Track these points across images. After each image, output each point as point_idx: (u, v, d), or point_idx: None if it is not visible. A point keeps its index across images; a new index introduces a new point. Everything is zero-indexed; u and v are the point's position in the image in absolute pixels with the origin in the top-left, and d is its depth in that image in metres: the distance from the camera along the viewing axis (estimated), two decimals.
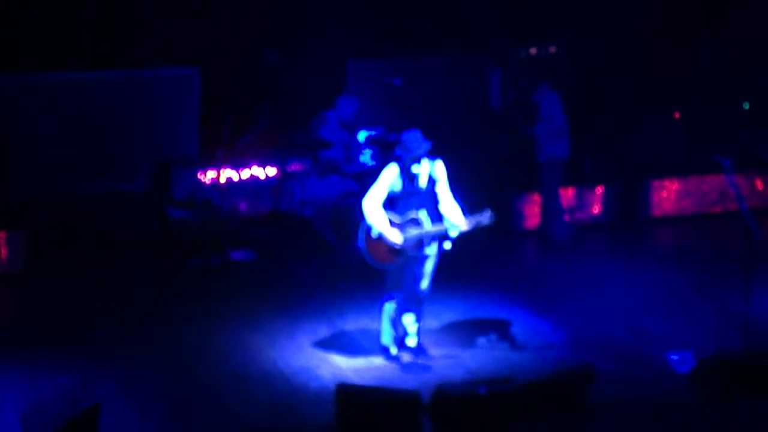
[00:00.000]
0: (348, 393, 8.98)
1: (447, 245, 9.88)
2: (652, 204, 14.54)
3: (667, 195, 14.58)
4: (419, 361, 9.99)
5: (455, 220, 9.74)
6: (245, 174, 14.13)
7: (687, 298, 11.71)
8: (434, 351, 10.26)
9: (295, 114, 14.45)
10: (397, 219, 9.78)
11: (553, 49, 16.16)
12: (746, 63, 16.19)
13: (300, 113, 13.99)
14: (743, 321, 10.10)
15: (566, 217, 13.87)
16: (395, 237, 9.71)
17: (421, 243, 9.74)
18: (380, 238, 9.74)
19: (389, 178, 9.78)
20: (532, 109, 13.41)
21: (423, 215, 9.72)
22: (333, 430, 8.88)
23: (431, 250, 9.87)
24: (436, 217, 9.85)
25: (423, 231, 9.70)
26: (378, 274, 10.15)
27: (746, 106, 16.09)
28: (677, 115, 15.87)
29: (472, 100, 16.22)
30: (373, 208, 9.72)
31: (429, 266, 9.94)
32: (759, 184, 14.87)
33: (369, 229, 9.78)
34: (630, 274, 12.46)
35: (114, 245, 12.94)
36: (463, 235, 9.79)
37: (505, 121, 15.20)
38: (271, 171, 14.28)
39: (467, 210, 9.82)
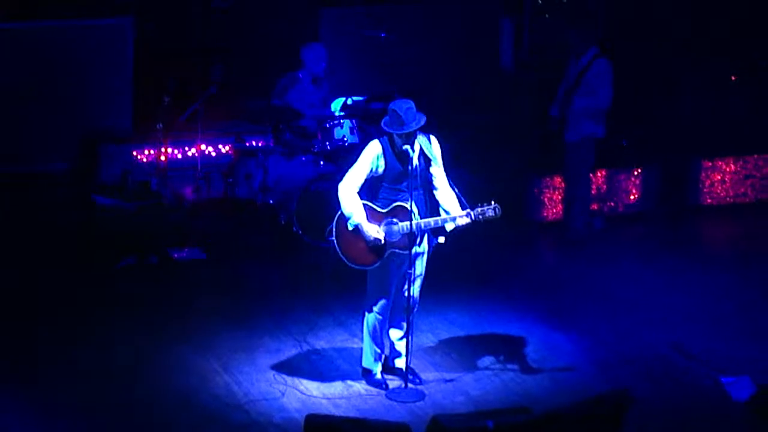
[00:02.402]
0: (320, 427, 9.00)
1: (441, 239, 9.92)
2: (702, 190, 14.58)
3: (721, 178, 14.63)
4: (410, 387, 10.02)
5: (452, 210, 9.77)
6: (191, 152, 14.15)
7: (745, 307, 11.76)
8: (428, 374, 10.30)
9: (255, 76, 14.45)
10: (380, 208, 9.80)
11: None
12: None
13: (261, 75, 13.99)
14: None
15: (593, 206, 13.89)
16: (374, 232, 9.71)
17: (408, 238, 9.75)
18: (358, 231, 9.76)
19: (371, 157, 9.78)
20: (578, 76, 13.13)
21: (412, 204, 9.74)
22: None
23: (422, 247, 9.89)
24: (429, 206, 9.87)
25: (411, 223, 9.71)
26: (358, 277, 10.17)
27: None
28: (734, 78, 15.91)
29: (477, 57, 16.24)
30: (350, 194, 9.74)
31: (420, 267, 9.96)
32: None
33: (345, 220, 9.80)
34: (673, 277, 12.52)
35: (29, 239, 12.95)
36: (463, 230, 9.82)
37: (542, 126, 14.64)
38: (224, 148, 14.30)
39: (470, 199, 9.84)
